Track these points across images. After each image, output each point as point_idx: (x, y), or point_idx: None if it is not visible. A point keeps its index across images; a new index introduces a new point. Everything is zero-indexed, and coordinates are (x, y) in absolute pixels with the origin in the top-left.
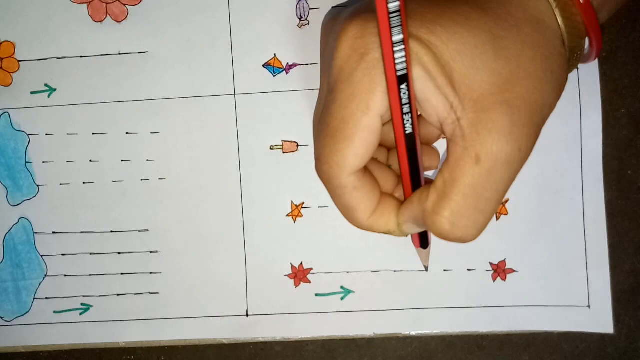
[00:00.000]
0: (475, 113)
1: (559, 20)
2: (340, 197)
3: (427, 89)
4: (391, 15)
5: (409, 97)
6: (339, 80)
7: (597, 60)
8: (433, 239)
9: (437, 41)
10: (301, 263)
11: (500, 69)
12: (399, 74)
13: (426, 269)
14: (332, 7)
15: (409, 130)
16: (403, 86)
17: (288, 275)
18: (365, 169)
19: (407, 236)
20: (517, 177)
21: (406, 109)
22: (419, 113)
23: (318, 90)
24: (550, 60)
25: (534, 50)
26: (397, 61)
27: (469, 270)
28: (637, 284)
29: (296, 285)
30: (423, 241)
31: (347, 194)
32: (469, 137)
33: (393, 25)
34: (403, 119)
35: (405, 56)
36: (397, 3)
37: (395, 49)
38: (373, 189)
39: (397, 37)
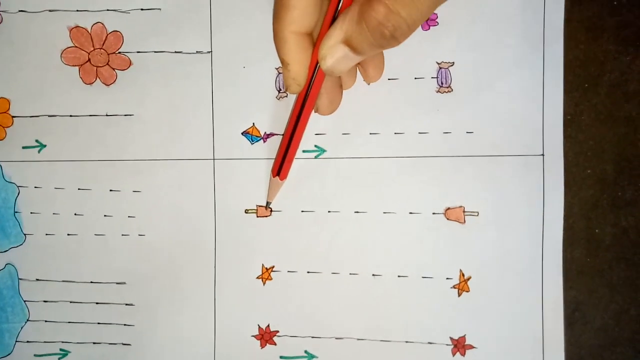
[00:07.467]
0: None
1: None
2: None
3: None
4: None
5: None
6: None
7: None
8: None
9: None
10: (268, 325)
11: None
12: None
13: (267, 205)
14: None
15: None
16: None
17: (255, 336)
18: None
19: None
20: None
21: None
22: None
23: None
24: None
25: None
26: None
27: (429, 343)
28: (607, 341)
29: (262, 346)
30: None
31: None
32: None
33: None
34: None
35: None
36: None
37: None
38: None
39: None
